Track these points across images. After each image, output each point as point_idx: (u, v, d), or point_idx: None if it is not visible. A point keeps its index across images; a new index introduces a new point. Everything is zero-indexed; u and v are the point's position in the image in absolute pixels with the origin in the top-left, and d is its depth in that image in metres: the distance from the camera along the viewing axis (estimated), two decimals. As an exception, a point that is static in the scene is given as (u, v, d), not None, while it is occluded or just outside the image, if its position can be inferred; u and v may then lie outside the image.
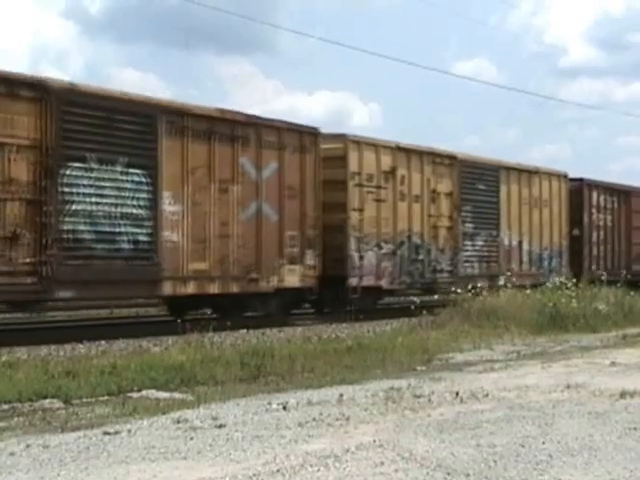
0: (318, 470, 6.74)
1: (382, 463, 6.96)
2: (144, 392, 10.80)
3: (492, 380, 11.65)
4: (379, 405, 9.62)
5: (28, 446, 7.63)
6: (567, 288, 22.05)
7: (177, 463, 7.04)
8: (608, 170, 74.38)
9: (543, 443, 7.72)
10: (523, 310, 20.35)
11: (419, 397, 10.13)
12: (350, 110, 78.67)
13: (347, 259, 23.28)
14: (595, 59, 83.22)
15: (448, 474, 6.65)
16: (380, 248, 24.34)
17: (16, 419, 9.08)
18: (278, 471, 6.71)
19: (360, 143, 23.94)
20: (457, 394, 10.23)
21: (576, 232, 33.28)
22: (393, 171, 24.80)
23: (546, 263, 31.81)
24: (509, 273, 27.03)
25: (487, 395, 10.28)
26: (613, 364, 13.39)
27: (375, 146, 24.45)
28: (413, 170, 25.69)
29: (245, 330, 17.54)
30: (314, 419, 8.79)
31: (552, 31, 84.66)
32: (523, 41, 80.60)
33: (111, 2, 72.38)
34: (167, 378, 11.61)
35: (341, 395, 10.22)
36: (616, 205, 35.86)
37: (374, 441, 7.71)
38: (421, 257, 25.93)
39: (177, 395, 10.66)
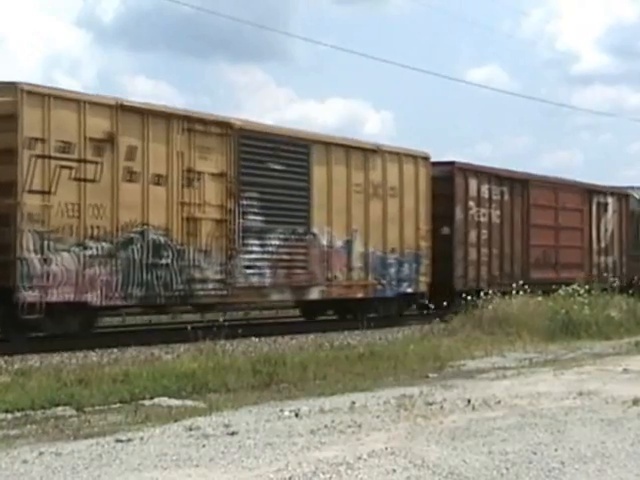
0: (330, 477, 6.74)
1: (394, 470, 6.95)
2: (156, 400, 10.81)
3: (504, 387, 11.63)
4: (391, 412, 9.61)
5: (41, 454, 7.64)
6: (579, 295, 22.00)
7: (189, 471, 7.04)
8: (621, 177, 74.30)
9: (555, 450, 7.71)
10: (535, 317, 20.32)
11: (431, 404, 10.12)
12: (362, 118, 78.66)
13: (16, 263, 16.42)
14: (607, 66, 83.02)
15: (460, 481, 6.64)
16: (85, 248, 17.41)
17: (29, 427, 9.10)
18: (290, 478, 6.71)
19: (46, 96, 17.06)
20: (469, 401, 10.21)
21: (446, 231, 26.31)
22: (112, 139, 17.94)
23: (393, 270, 24.56)
24: (329, 283, 22.66)
25: (499, 402, 10.26)
26: (625, 371, 13.36)
27: (78, 102, 17.56)
28: (153, 140, 18.71)
29: (256, 338, 17.52)
30: (326, 426, 8.78)
31: (564, 38, 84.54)
32: (535, 48, 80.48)
33: (124, 11, 72.67)
34: (179, 386, 11.62)
35: (353, 402, 10.22)
36: (507, 197, 28.74)
37: (386, 448, 7.71)
38: (165, 261, 18.92)
39: (189, 403, 10.67)
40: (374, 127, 75.74)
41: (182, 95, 72.15)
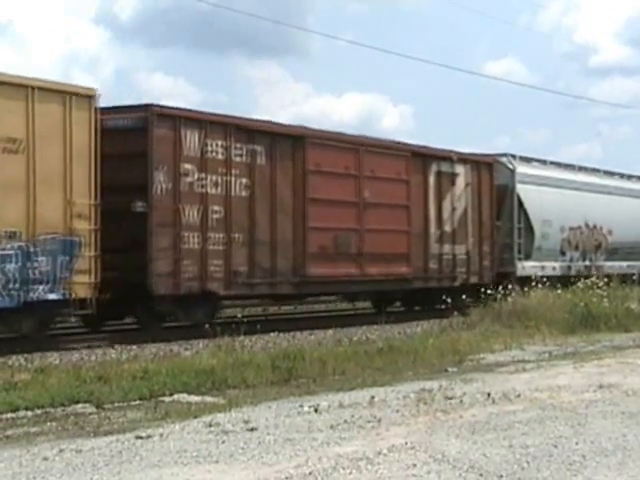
0: (350, 473, 6.73)
1: (414, 465, 6.94)
2: (176, 396, 10.83)
3: (524, 381, 11.59)
4: (410, 407, 9.60)
5: (61, 451, 7.67)
6: (599, 288, 21.93)
7: (209, 467, 7.05)
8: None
9: (576, 443, 7.68)
10: (554, 310, 20.26)
11: (451, 398, 10.10)
12: (381, 112, 78.54)
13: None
14: (626, 58, 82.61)
15: (481, 475, 6.63)
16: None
17: (49, 424, 9.13)
18: (310, 474, 6.71)
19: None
20: (489, 395, 10.19)
21: (139, 207, 17.80)
22: None
23: (9, 267, 15.62)
24: None
25: (519, 396, 10.23)
26: (646, 363, 13.30)
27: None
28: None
29: (275, 333, 17.51)
30: (346, 421, 8.78)
31: (582, 30, 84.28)
32: (553, 41, 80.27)
33: (141, 8, 72.70)
34: (198, 382, 11.63)
35: (372, 397, 10.21)
36: (264, 159, 20.27)
37: (406, 443, 7.69)
38: None
39: (209, 399, 10.68)
40: (392, 121, 75.71)
41: (200, 92, 72.23)
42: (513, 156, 28.99)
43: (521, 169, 28.67)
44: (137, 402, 10.48)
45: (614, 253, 32.75)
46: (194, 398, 10.72)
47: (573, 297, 21.25)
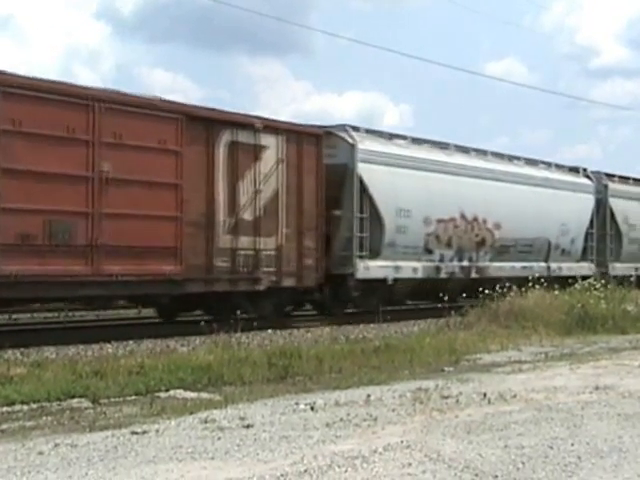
0: (346, 471, 6.73)
1: (410, 464, 6.94)
2: (172, 392, 10.83)
3: (520, 381, 11.60)
4: (407, 406, 9.60)
5: (56, 445, 7.67)
6: (595, 289, 21.94)
7: (205, 463, 7.05)
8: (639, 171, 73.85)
9: (572, 445, 7.68)
10: (551, 311, 20.25)
11: (447, 398, 10.10)
12: (381, 111, 78.64)
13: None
14: (627, 60, 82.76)
15: (476, 475, 6.62)
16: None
17: (44, 418, 9.12)
18: (306, 472, 6.70)
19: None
20: (485, 395, 10.19)
21: None
22: None
23: None
24: None
25: (515, 396, 10.24)
26: (642, 366, 13.30)
27: None
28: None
29: (272, 330, 17.51)
30: (342, 420, 8.78)
31: (584, 32, 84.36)
32: (554, 42, 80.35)
33: (142, 3, 72.75)
34: (195, 378, 11.63)
35: (369, 396, 10.21)
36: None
37: (402, 442, 7.70)
38: None
39: (205, 395, 10.68)
40: (392, 120, 75.77)
41: (200, 88, 72.23)
42: (355, 128, 23.35)
43: (366, 145, 22.85)
44: (133, 397, 10.48)
45: (504, 252, 27.47)
46: (190, 394, 10.72)
47: (570, 298, 21.25)
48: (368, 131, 23.81)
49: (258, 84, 76.79)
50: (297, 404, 9.70)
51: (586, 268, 30.72)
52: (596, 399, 10.12)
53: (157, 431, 8.28)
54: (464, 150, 27.50)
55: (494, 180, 27.32)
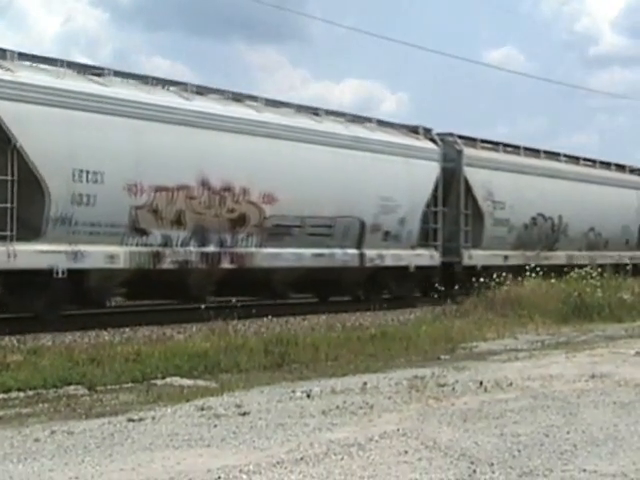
0: (342, 459, 6.74)
1: (406, 452, 6.95)
2: (168, 379, 10.84)
3: (516, 369, 11.61)
4: (403, 394, 9.61)
5: (53, 432, 7.67)
6: (592, 278, 21.97)
7: (201, 450, 7.06)
8: (638, 159, 73.89)
9: (567, 433, 7.69)
10: (547, 300, 20.29)
11: (443, 386, 10.11)
12: (378, 99, 78.49)
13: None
14: (625, 48, 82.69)
15: (472, 463, 6.63)
16: None
17: (41, 405, 9.13)
18: (302, 459, 6.71)
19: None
20: (481, 383, 10.20)
21: None
22: None
23: None
24: None
25: (511, 384, 10.25)
26: (638, 354, 13.29)
27: None
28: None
29: (269, 318, 17.51)
30: (338, 407, 8.78)
31: (582, 20, 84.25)
32: (553, 30, 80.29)
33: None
34: (191, 365, 11.64)
35: (365, 383, 10.22)
36: None
37: (398, 430, 7.70)
38: None
39: (201, 382, 10.69)
40: (390, 108, 75.74)
41: (198, 76, 72.12)
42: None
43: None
44: (129, 385, 10.48)
45: (281, 234, 20.87)
46: (186, 381, 10.72)
47: (567, 287, 21.28)
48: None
49: (256, 71, 76.73)
50: (293, 392, 9.70)
51: (426, 257, 25.08)
52: (592, 387, 10.13)
53: (153, 418, 8.28)
54: (213, 93, 20.65)
55: (267, 137, 20.55)
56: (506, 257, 27.97)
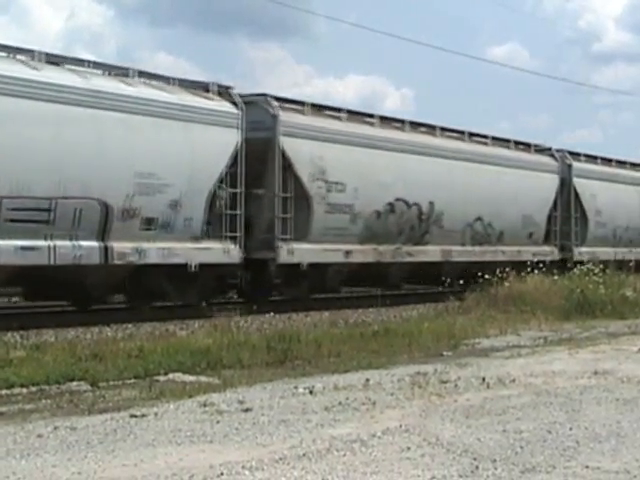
0: (344, 455, 6.74)
1: (408, 448, 6.95)
2: (171, 375, 10.83)
3: (519, 366, 11.60)
4: (405, 390, 9.61)
5: (56, 428, 7.67)
6: (595, 274, 21.95)
7: (203, 446, 7.06)
8: (640, 155, 73.62)
9: (570, 429, 7.69)
10: (550, 296, 20.27)
11: (445, 382, 10.11)
12: (382, 95, 78.45)
13: None
14: (629, 44, 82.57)
15: (474, 459, 6.63)
16: None
17: (44, 401, 9.13)
18: (304, 455, 6.71)
19: None
20: (483, 380, 10.20)
21: None
22: None
23: None
24: None
25: (514, 381, 10.24)
26: (641, 351, 13.31)
27: None
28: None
29: (271, 314, 17.51)
30: (340, 404, 8.78)
31: (586, 16, 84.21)
32: (557, 26, 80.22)
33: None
34: (194, 362, 11.63)
35: (367, 380, 10.21)
36: None
37: (400, 426, 7.70)
38: None
39: (203, 379, 10.68)
40: (394, 104, 75.62)
41: (202, 72, 72.12)
42: None
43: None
44: (132, 381, 10.48)
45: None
46: (189, 378, 10.72)
47: (570, 283, 21.27)
48: None
49: (259, 67, 76.69)
50: (296, 388, 9.71)
51: (217, 252, 19.40)
52: (595, 384, 10.13)
53: (156, 414, 8.29)
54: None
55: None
56: (348, 252, 22.29)
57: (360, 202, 22.71)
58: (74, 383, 10.16)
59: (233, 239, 19.52)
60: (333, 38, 76.43)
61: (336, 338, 14.04)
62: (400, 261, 23.67)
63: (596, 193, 32.10)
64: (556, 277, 21.77)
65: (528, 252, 28.22)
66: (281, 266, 20.77)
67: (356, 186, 22.54)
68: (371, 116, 24.56)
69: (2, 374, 10.29)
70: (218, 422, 7.96)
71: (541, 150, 31.15)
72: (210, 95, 19.93)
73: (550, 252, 29.90)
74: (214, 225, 19.41)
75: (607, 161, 34.20)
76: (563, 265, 27.52)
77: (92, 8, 73.70)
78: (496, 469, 6.39)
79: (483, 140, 28.76)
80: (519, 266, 23.20)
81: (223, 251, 19.38)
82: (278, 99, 21.55)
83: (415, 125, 26.11)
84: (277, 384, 10.09)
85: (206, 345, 12.61)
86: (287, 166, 20.91)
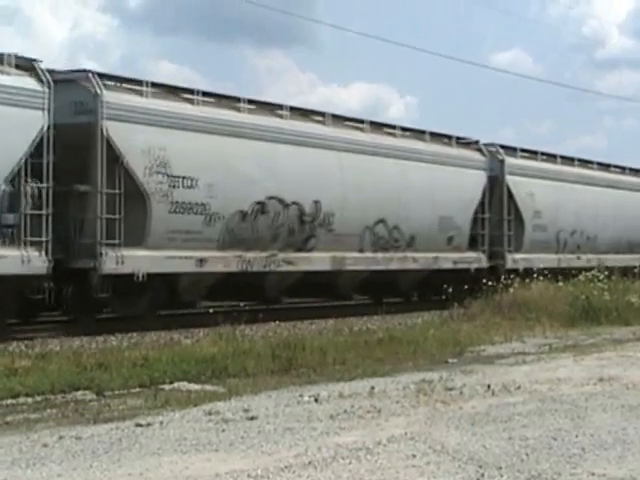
0: (350, 463, 6.73)
1: (414, 456, 6.94)
2: (176, 384, 10.84)
3: (524, 373, 11.59)
4: (410, 398, 9.60)
5: (61, 437, 7.67)
6: (599, 281, 21.94)
7: (209, 455, 7.05)
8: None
9: (576, 436, 7.67)
10: (555, 303, 20.27)
11: (451, 390, 10.10)
12: (387, 102, 78.46)
13: None
14: (633, 50, 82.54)
15: (480, 467, 6.62)
16: None
17: (49, 411, 9.13)
18: (310, 463, 6.70)
19: None
20: (489, 387, 10.19)
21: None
22: None
23: None
24: None
25: (519, 388, 10.23)
26: (646, 357, 13.30)
27: None
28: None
29: (276, 322, 17.51)
30: (345, 411, 8.78)
31: (590, 23, 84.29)
32: (561, 33, 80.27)
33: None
34: (199, 370, 11.64)
35: (372, 387, 10.21)
36: None
37: (406, 434, 7.69)
38: None
39: (209, 387, 10.68)
40: (398, 111, 75.58)
41: (205, 80, 72.23)
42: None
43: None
44: (137, 390, 10.49)
45: None
46: (194, 386, 10.72)
47: (574, 290, 21.26)
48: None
49: (263, 76, 76.76)
50: (301, 396, 9.70)
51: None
52: (600, 390, 10.11)
53: (161, 423, 8.29)
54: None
55: None
56: (202, 261, 19.04)
57: (217, 201, 19.14)
58: (79, 392, 10.17)
59: (37, 245, 16.26)
60: (337, 46, 76.50)
61: (341, 346, 14.04)
62: (276, 271, 20.19)
63: (534, 192, 28.72)
64: (560, 284, 21.72)
65: (448, 259, 25.28)
66: (107, 277, 17.38)
67: (211, 182, 18.97)
68: (238, 100, 20.52)
69: (7, 383, 10.31)
70: (223, 430, 7.96)
71: (467, 143, 27.51)
72: (6, 69, 16.42)
73: (476, 259, 26.42)
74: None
75: (551, 157, 31.01)
76: (493, 274, 24.95)
77: (96, 17, 73.88)
78: (502, 476, 6.38)
79: (390, 131, 24.86)
80: (441, 275, 21.70)
81: (21, 260, 16.01)
82: (103, 76, 18.04)
83: (296, 111, 22.03)
84: (282, 392, 10.08)
85: (211, 353, 12.62)
86: (114, 157, 17.45)
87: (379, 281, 21.14)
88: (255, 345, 13.60)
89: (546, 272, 23.28)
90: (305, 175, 21.15)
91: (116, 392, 10.27)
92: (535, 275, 22.81)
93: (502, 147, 28.57)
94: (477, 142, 27.74)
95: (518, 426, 8.09)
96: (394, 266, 23.29)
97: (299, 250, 21.03)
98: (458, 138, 27.11)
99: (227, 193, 19.31)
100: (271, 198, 20.34)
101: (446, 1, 79.14)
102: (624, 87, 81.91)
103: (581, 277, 22.79)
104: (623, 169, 35.04)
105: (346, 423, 8.25)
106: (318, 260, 21.40)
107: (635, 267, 28.94)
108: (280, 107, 21.46)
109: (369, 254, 22.83)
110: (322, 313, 20.77)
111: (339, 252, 21.85)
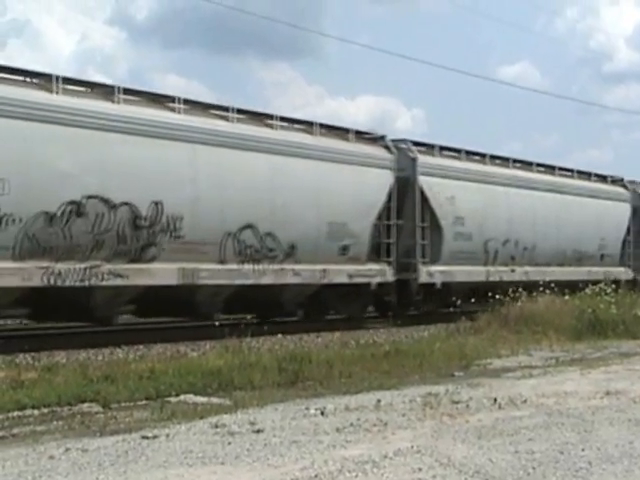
0: (356, 476, 6.72)
1: (420, 469, 6.93)
2: (182, 397, 10.83)
3: (530, 386, 11.57)
4: (417, 411, 9.58)
5: (67, 450, 7.67)
6: (606, 294, 21.90)
7: (215, 468, 7.05)
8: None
9: (582, 450, 7.66)
10: (561, 316, 20.24)
11: (457, 403, 10.09)
12: (394, 115, 78.52)
13: None
14: None
15: (486, 480, 6.61)
16: None
17: (55, 423, 9.14)
18: (316, 477, 6.70)
19: None
20: (495, 400, 10.17)
21: None
22: None
23: None
24: None
25: (525, 401, 10.21)
26: (653, 371, 13.27)
27: None
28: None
29: (282, 335, 17.50)
30: (352, 424, 8.77)
31: (597, 36, 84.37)
32: (568, 46, 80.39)
33: (157, 9, 72.86)
34: (205, 383, 11.63)
35: (379, 401, 10.20)
36: None
37: (412, 447, 7.68)
38: None
39: (215, 400, 10.68)
40: (405, 124, 75.64)
41: (213, 93, 72.40)
42: None
43: None
44: (143, 402, 10.48)
45: None
46: (200, 399, 10.72)
47: (581, 303, 21.23)
48: None
49: (270, 88, 76.93)
50: (307, 409, 9.70)
51: None
52: (607, 404, 10.09)
53: (167, 436, 8.28)
54: None
55: None
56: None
57: (12, 199, 15.55)
58: (85, 404, 10.17)
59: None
60: (344, 59, 76.84)
61: (347, 359, 14.02)
62: (102, 285, 16.86)
63: (455, 196, 25.14)
64: (567, 297, 21.68)
65: (341, 272, 21.65)
66: None
67: (4, 177, 15.53)
68: (51, 79, 16.69)
69: (14, 395, 10.31)
70: (229, 443, 7.95)
71: (370, 139, 23.91)
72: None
73: (379, 272, 22.76)
74: None
75: (480, 156, 27.49)
76: (404, 289, 23.04)
77: (104, 30, 74.13)
78: (508, 490, 6.38)
79: (267, 121, 21.00)
80: (335, 290, 19.50)
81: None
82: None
83: (142, 95, 18.58)
84: (288, 405, 10.08)
85: (217, 366, 12.61)
86: None
87: (256, 298, 18.45)
88: (261, 358, 13.59)
89: (472, 287, 21.84)
90: (142, 171, 17.58)
91: (122, 404, 10.27)
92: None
93: (416, 144, 25.38)
94: (383, 137, 24.21)
95: (524, 440, 8.08)
96: (268, 280, 19.81)
97: (134, 261, 17.54)
98: (358, 132, 23.39)
99: (26, 190, 15.74)
100: (91, 197, 16.76)
101: (453, 14, 79.29)
102: (631, 100, 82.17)
103: (587, 290, 22.74)
104: (571, 172, 31.77)
105: (352, 436, 8.24)
106: (160, 272, 17.82)
107: (583, 281, 25.47)
108: (112, 89, 17.76)
109: (233, 266, 19.24)
110: (330, 326, 20.75)
111: (190, 263, 18.31)
